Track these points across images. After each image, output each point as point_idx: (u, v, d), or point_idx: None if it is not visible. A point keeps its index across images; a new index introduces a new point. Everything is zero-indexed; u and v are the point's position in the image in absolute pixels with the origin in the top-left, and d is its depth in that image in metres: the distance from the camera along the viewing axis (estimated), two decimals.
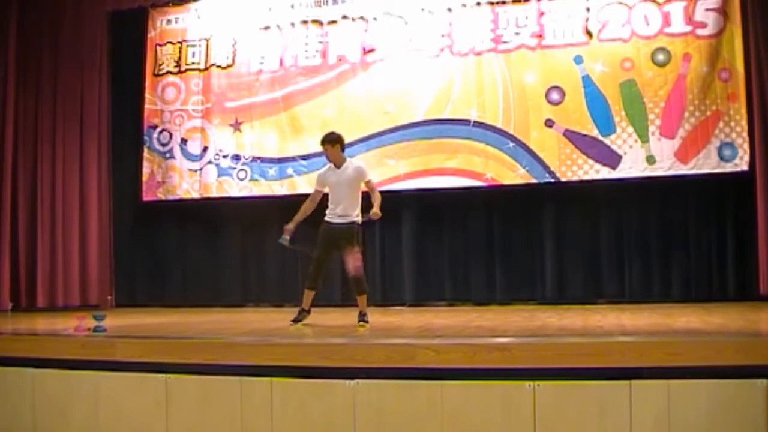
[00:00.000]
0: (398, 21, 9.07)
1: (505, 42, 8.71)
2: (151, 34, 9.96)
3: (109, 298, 9.76)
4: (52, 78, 9.59)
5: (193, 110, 9.73)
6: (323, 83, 9.25)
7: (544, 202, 8.78)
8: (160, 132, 9.82)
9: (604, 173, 8.35)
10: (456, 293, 8.94)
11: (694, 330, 5.38)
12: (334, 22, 9.28)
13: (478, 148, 8.69)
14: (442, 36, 8.89)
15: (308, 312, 6.34)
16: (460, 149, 8.76)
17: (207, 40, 9.74)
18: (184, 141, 9.71)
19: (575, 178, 8.44)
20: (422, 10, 8.98)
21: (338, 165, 6.33)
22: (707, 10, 8.14)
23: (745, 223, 8.02)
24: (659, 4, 8.31)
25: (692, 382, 4.19)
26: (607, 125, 8.37)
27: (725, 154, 8.04)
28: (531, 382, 4.31)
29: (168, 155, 9.75)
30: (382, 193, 8.58)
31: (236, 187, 9.47)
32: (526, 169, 8.55)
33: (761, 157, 7.81)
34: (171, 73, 9.82)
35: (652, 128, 8.25)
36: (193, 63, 9.76)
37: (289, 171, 9.29)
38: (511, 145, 8.60)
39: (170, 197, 9.72)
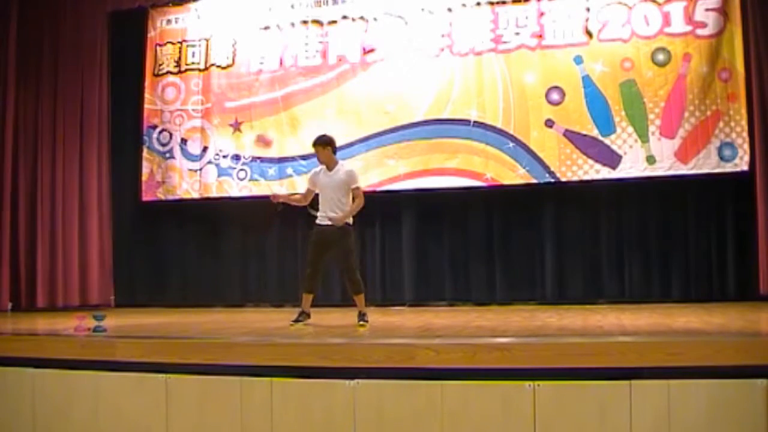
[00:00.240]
0: (398, 21, 9.07)
1: (505, 42, 8.71)
2: (151, 34, 9.96)
3: (112, 298, 9.75)
4: (52, 78, 9.59)
5: (193, 110, 9.73)
6: (323, 83, 9.25)
7: (544, 202, 8.78)
8: (160, 132, 9.83)
9: (604, 173, 8.35)
10: (456, 293, 8.94)
11: (694, 330, 5.38)
12: (334, 22, 9.29)
13: (478, 148, 8.69)
14: (442, 36, 8.90)
15: (308, 315, 6.35)
16: (460, 149, 8.76)
17: (207, 40, 9.74)
18: (184, 141, 9.71)
19: (575, 178, 8.44)
20: (422, 10, 8.98)
21: (330, 167, 6.34)
22: (707, 10, 8.15)
23: (745, 223, 8.02)
24: (659, 4, 8.31)
25: (692, 382, 4.19)
26: (607, 125, 8.37)
27: (725, 154, 8.04)
28: (531, 382, 4.31)
29: (168, 155, 9.75)
30: (382, 192, 8.64)
31: (236, 187, 9.47)
32: (526, 169, 8.55)
33: (761, 157, 7.81)
34: (171, 73, 9.82)
35: (652, 128, 8.25)
36: (193, 63, 9.77)
37: (289, 171, 9.29)
38: (511, 145, 8.60)
39: (170, 197, 9.73)
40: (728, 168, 8.03)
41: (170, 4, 9.92)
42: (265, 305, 9.37)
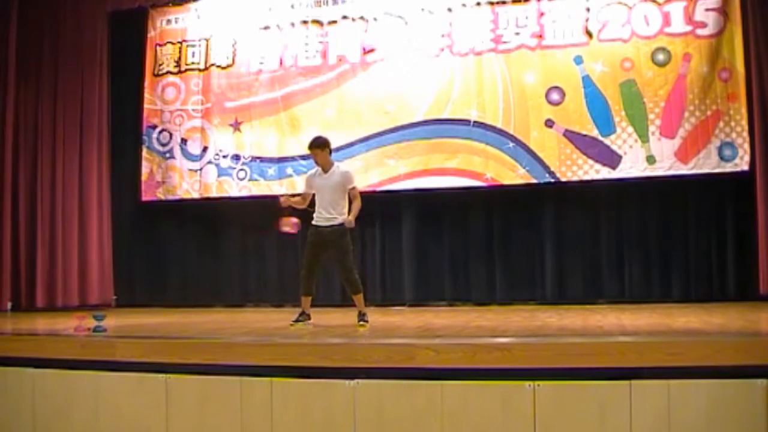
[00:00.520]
0: (398, 21, 9.07)
1: (505, 42, 8.71)
2: (151, 34, 9.96)
3: (114, 298, 9.74)
4: (52, 78, 9.58)
5: (193, 110, 9.73)
6: (323, 83, 9.25)
7: (544, 202, 8.78)
8: (160, 132, 9.83)
9: (604, 173, 8.35)
10: (456, 293, 8.94)
11: (694, 330, 5.38)
12: (334, 22, 9.29)
13: (478, 148, 8.69)
14: (442, 36, 8.89)
15: (308, 316, 6.36)
16: (460, 149, 8.75)
17: (207, 40, 9.74)
18: (184, 141, 9.71)
19: (575, 178, 8.44)
20: (422, 10, 8.98)
21: (326, 169, 6.35)
22: (707, 10, 8.14)
23: (745, 223, 8.02)
24: (659, 4, 8.31)
25: (692, 382, 4.19)
26: (607, 125, 8.37)
27: (725, 154, 8.04)
28: (531, 382, 4.31)
29: (168, 155, 9.75)
30: (382, 192, 8.62)
31: (236, 187, 9.47)
32: (526, 169, 8.55)
33: (761, 156, 7.81)
34: (171, 73, 9.82)
35: (652, 128, 8.25)
36: (193, 63, 9.77)
37: (289, 171, 9.29)
38: (511, 145, 8.60)
39: (170, 197, 9.72)
40: (728, 168, 8.02)
41: (170, 4, 9.92)
42: (265, 305, 9.36)
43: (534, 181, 8.55)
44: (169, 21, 9.93)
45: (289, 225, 6.26)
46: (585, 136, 8.42)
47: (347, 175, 6.39)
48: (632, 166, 8.27)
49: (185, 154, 9.70)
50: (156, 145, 9.82)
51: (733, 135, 8.03)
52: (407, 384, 4.53)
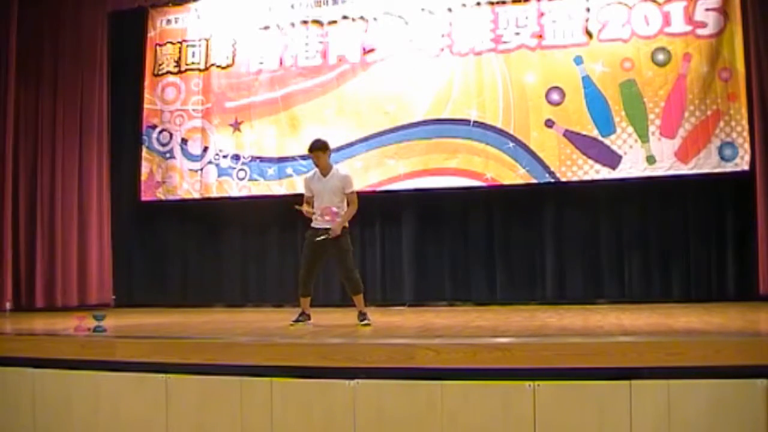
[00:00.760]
0: (398, 21, 9.07)
1: (505, 42, 8.71)
2: (151, 34, 9.96)
3: (113, 297, 9.74)
4: (52, 78, 9.58)
5: (194, 110, 9.73)
6: (323, 83, 9.25)
7: (544, 202, 8.78)
8: (160, 132, 9.82)
9: (604, 173, 8.35)
10: (456, 293, 8.94)
11: (694, 330, 5.37)
12: (334, 22, 9.28)
13: (478, 148, 8.69)
14: (442, 36, 8.89)
15: (308, 316, 6.36)
16: (460, 149, 8.75)
17: (207, 40, 9.74)
18: (184, 141, 9.71)
19: (575, 179, 8.44)
20: (422, 10, 8.97)
21: (325, 173, 6.34)
22: (707, 9, 8.14)
23: (745, 223, 8.01)
24: (659, 4, 8.31)
25: (692, 382, 4.19)
26: (607, 125, 8.36)
27: (726, 154, 8.04)
28: (531, 382, 4.31)
29: (168, 155, 9.74)
30: (382, 192, 8.63)
31: (235, 187, 9.47)
32: (526, 169, 8.55)
33: (761, 156, 7.81)
34: (171, 73, 9.82)
35: (652, 128, 8.25)
36: (193, 63, 9.76)
37: (289, 171, 9.28)
38: (511, 145, 8.60)
39: (170, 197, 9.72)
40: (729, 168, 8.02)
41: (170, 4, 9.91)
42: (265, 305, 9.36)
43: (534, 181, 8.55)
44: (169, 21, 9.93)
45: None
46: (585, 136, 8.41)
47: (346, 179, 6.39)
48: (632, 166, 8.27)
49: (186, 154, 9.70)
50: (156, 145, 9.82)
51: (734, 135, 8.02)
52: (407, 384, 4.53)
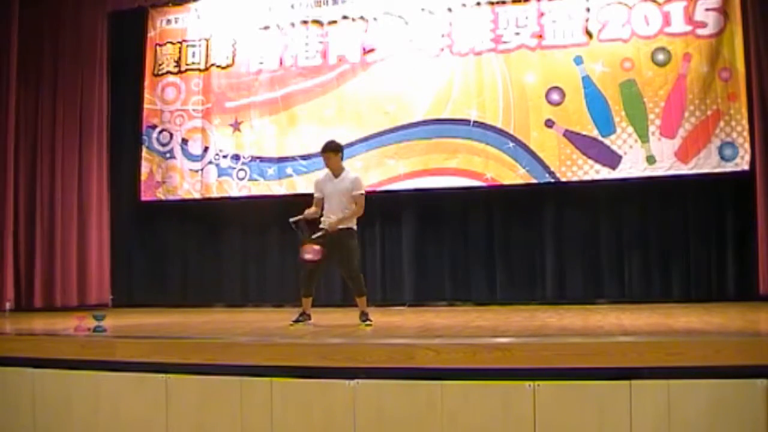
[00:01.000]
0: (398, 21, 9.07)
1: (505, 42, 8.71)
2: (151, 33, 9.96)
3: (111, 298, 9.73)
4: (52, 78, 9.58)
5: (194, 110, 9.73)
6: (323, 83, 9.25)
7: (544, 202, 8.78)
8: (160, 132, 9.82)
9: (604, 173, 8.35)
10: (456, 293, 8.94)
11: (694, 330, 5.37)
12: (334, 22, 9.28)
13: (478, 148, 8.69)
14: (442, 36, 8.89)
15: (309, 316, 6.36)
16: (460, 149, 8.75)
17: (207, 40, 9.74)
18: (184, 141, 9.71)
19: (575, 179, 8.44)
20: (422, 10, 8.97)
21: (336, 174, 6.34)
22: (707, 9, 8.14)
23: (745, 223, 8.01)
24: (659, 4, 8.31)
25: (692, 382, 4.19)
26: (607, 125, 8.36)
27: (726, 154, 8.04)
28: (531, 382, 4.31)
29: (168, 155, 9.74)
30: (382, 192, 8.63)
31: (235, 187, 9.47)
32: (526, 169, 8.55)
33: (761, 156, 7.81)
34: (171, 73, 9.82)
35: (652, 128, 8.25)
36: (193, 63, 9.76)
37: (289, 171, 9.28)
38: (511, 145, 8.60)
39: (170, 197, 9.72)
40: (729, 167, 8.02)
41: (170, 4, 9.91)
42: (265, 305, 9.36)
43: (534, 181, 8.55)
44: (169, 21, 9.92)
45: (312, 252, 6.15)
46: (585, 136, 8.41)
47: (356, 181, 6.38)
48: (632, 166, 8.27)
49: (186, 154, 9.70)
50: (156, 145, 9.81)
51: (734, 135, 8.02)
52: (407, 384, 4.53)
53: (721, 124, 8.05)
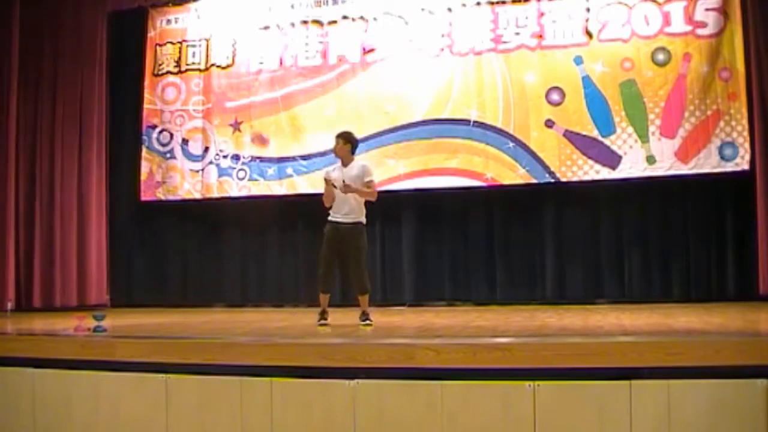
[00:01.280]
0: (398, 21, 9.07)
1: (505, 42, 8.71)
2: (151, 33, 9.96)
3: (108, 298, 9.73)
4: (52, 78, 9.58)
5: (194, 110, 9.73)
6: (323, 83, 9.25)
7: (544, 202, 8.78)
8: (160, 132, 9.82)
9: (604, 173, 8.35)
10: (456, 293, 8.94)
11: (694, 330, 5.37)
12: (334, 22, 9.29)
13: (478, 148, 8.69)
14: (442, 36, 8.89)
15: (325, 315, 6.34)
16: (460, 149, 8.75)
17: (207, 40, 9.74)
18: (185, 141, 9.71)
19: (575, 179, 8.44)
20: (422, 10, 8.98)
21: (345, 163, 6.33)
22: (707, 9, 8.14)
23: (745, 223, 8.01)
24: (659, 3, 8.31)
25: (692, 382, 4.18)
26: (607, 125, 8.36)
27: (726, 154, 8.04)
28: (531, 382, 4.31)
29: (168, 155, 9.74)
30: (382, 192, 8.60)
31: (235, 187, 9.47)
32: (526, 169, 8.55)
33: (761, 156, 7.81)
34: (171, 73, 9.82)
35: (652, 128, 8.25)
36: (193, 63, 9.76)
37: (289, 171, 9.28)
38: (511, 145, 8.60)
39: (171, 197, 9.72)
40: (729, 167, 8.02)
41: (170, 4, 9.92)
42: (265, 305, 9.36)
43: (534, 181, 8.55)
44: (169, 21, 9.92)
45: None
46: (585, 136, 8.42)
47: (365, 168, 6.34)
48: (632, 167, 8.27)
49: (186, 155, 9.70)
50: (156, 145, 9.81)
51: (734, 134, 8.03)
52: (407, 384, 4.52)
53: (721, 124, 8.05)
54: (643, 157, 8.25)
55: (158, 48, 9.90)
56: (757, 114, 7.85)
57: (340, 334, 5.76)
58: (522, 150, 8.57)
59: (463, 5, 8.85)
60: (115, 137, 10.00)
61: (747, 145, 7.97)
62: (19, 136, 9.25)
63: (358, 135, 8.88)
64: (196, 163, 9.64)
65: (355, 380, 4.57)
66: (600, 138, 8.38)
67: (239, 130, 9.52)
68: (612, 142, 8.34)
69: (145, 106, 9.88)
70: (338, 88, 9.20)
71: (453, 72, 8.83)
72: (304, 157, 9.18)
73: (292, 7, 9.46)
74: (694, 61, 8.14)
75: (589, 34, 8.47)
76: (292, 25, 9.43)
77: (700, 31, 8.17)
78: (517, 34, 8.67)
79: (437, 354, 4.50)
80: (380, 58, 9.09)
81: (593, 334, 5.22)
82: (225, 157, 9.54)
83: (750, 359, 4.19)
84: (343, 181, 6.14)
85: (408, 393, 4.51)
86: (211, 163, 9.59)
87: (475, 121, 8.72)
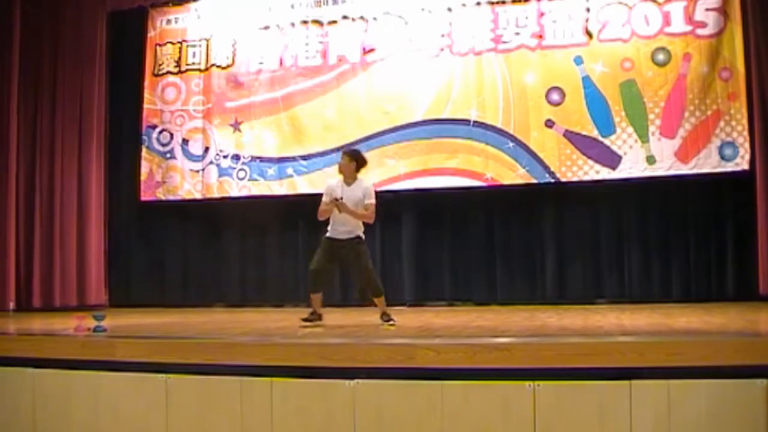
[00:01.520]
0: (398, 21, 9.07)
1: (505, 42, 8.71)
2: (151, 33, 9.96)
3: (106, 298, 9.72)
4: (51, 77, 9.57)
5: (194, 110, 9.73)
6: (323, 83, 9.25)
7: (544, 202, 8.78)
8: (160, 132, 9.82)
9: (604, 174, 8.35)
10: (456, 293, 8.94)
11: (694, 330, 5.37)
12: (334, 22, 9.28)
13: (478, 148, 8.69)
14: (442, 36, 8.89)
15: (319, 316, 6.31)
16: (459, 149, 8.75)
17: (207, 40, 9.74)
18: (185, 141, 9.70)
19: (575, 179, 8.44)
20: (422, 10, 8.98)
21: (349, 182, 6.28)
22: (707, 9, 8.14)
23: (745, 223, 8.01)
24: (659, 3, 8.31)
25: (692, 382, 4.18)
26: (607, 126, 8.36)
27: (726, 154, 8.04)
28: (531, 382, 4.31)
29: (168, 155, 9.74)
30: (382, 192, 8.61)
31: (235, 187, 9.47)
32: (526, 169, 8.55)
33: (761, 156, 7.81)
34: (171, 73, 9.82)
35: (652, 128, 8.25)
36: (193, 63, 9.76)
37: (289, 171, 9.28)
38: (511, 145, 8.60)
39: (171, 197, 9.72)
40: (729, 167, 8.01)
41: (170, 4, 9.91)
42: (265, 305, 9.35)
43: (534, 181, 8.55)
44: (169, 21, 9.92)
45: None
46: (585, 136, 8.42)
47: (368, 190, 6.29)
48: (632, 167, 8.27)
49: (187, 155, 9.70)
50: (156, 145, 9.81)
51: (734, 134, 8.03)
52: (407, 384, 4.52)
53: (721, 124, 8.05)
54: (643, 157, 8.25)
55: (158, 48, 9.90)
56: (757, 114, 7.85)
57: (340, 334, 5.76)
58: (522, 150, 8.57)
59: (463, 5, 8.85)
60: (115, 137, 10.00)
61: (747, 145, 7.97)
62: (19, 136, 9.25)
63: (358, 135, 8.99)
64: (196, 163, 9.64)
65: (355, 380, 4.57)
66: (600, 138, 8.38)
67: (239, 130, 9.52)
68: (612, 142, 8.34)
69: (145, 106, 9.88)
70: (338, 88, 9.20)
71: (453, 72, 8.83)
72: (304, 157, 9.18)
73: (292, 7, 9.46)
74: (694, 61, 8.14)
75: (589, 34, 8.48)
76: (292, 25, 9.43)
77: (700, 31, 8.17)
78: (517, 34, 8.67)
79: (437, 354, 4.50)
80: (380, 58, 9.09)
81: (593, 334, 5.22)
82: (225, 157, 9.54)
83: (750, 359, 4.19)
84: (338, 199, 6.08)
85: (408, 393, 4.51)
86: (211, 163, 9.59)
87: (475, 121, 8.72)
